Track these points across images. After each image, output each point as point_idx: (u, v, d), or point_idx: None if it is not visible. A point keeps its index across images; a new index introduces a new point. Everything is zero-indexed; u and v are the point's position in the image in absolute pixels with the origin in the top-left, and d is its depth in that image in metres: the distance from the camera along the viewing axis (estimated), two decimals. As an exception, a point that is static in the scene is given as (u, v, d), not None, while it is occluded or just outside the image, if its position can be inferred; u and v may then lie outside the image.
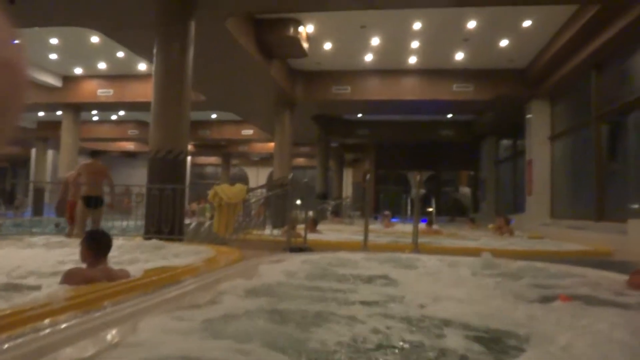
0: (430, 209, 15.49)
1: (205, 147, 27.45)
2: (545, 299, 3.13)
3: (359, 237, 7.24)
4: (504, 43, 11.88)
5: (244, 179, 33.50)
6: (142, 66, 14.60)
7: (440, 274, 4.09)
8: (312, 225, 9.45)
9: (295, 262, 4.69)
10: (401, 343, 2.23)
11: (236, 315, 2.69)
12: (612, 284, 3.63)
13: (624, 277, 3.80)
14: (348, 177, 30.41)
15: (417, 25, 11.11)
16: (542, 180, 13.41)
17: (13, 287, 3.36)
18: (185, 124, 7.75)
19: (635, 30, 8.58)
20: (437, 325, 2.50)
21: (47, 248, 5.68)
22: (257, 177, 33.08)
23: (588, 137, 11.18)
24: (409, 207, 17.08)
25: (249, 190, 8.05)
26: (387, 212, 15.15)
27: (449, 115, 19.42)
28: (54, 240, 6.37)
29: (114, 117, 22.68)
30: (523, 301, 3.08)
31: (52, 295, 2.58)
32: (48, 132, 22.03)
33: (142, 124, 22.37)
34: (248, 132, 22.73)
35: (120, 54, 13.56)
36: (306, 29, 11.41)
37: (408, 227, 8.31)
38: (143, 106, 14.97)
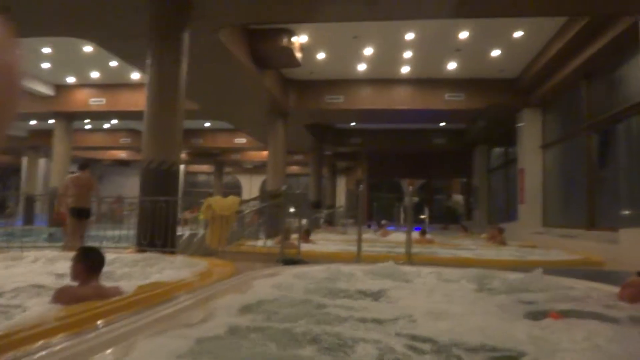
0: (423, 217, 15.59)
1: (198, 156, 27.39)
2: (538, 315, 3.15)
3: (353, 248, 7.26)
4: (495, 53, 11.99)
5: (237, 187, 33.46)
6: (135, 75, 14.58)
7: (434, 289, 4.09)
8: (306, 235, 9.45)
9: (289, 275, 4.69)
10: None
11: (230, 334, 2.68)
12: (603, 297, 3.65)
13: (616, 289, 3.82)
14: (341, 184, 30.43)
15: (409, 36, 11.19)
16: (534, 189, 13.51)
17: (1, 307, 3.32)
18: (179, 135, 7.73)
19: (623, 42, 8.70)
20: (432, 344, 2.50)
21: (41, 261, 5.62)
22: (251, 185, 33.04)
23: (579, 145, 11.29)
24: (402, 215, 17.11)
25: (242, 202, 8.04)
26: (384, 222, 15.43)
27: (442, 124, 19.53)
28: (48, 253, 6.28)
29: (106, 126, 22.58)
30: (517, 317, 3.10)
31: (43, 315, 2.56)
32: (40, 141, 21.90)
33: (134, 133, 22.31)
34: (241, 140, 22.71)
35: (113, 63, 13.54)
36: (299, 39, 11.45)
37: (403, 236, 8.33)
38: (135, 115, 14.92)
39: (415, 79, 14.27)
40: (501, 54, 12.04)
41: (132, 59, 11.06)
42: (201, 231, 8.61)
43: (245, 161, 28.79)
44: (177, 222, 8.07)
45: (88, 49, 12.48)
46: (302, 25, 10.74)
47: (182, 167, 9.25)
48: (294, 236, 7.55)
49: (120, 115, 17.55)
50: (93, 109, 16.17)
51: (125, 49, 10.33)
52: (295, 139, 18.44)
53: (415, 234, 10.15)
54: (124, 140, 23.30)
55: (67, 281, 3.46)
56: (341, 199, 29.71)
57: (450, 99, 14.22)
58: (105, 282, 3.55)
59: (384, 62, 13.01)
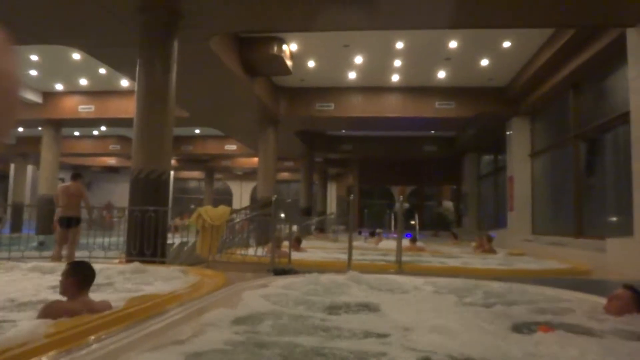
0: (413, 222, 15.72)
1: (188, 162, 27.29)
2: (528, 328, 3.17)
3: (344, 256, 7.27)
4: (484, 62, 12.11)
5: (227, 194, 33.36)
6: (124, 82, 14.51)
7: (425, 300, 4.12)
8: (297, 243, 9.44)
9: (279, 287, 4.68)
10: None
11: (220, 350, 2.67)
12: (591, 310, 3.69)
13: (602, 300, 3.86)
14: (332, 191, 30.46)
15: (399, 45, 11.27)
16: (523, 197, 13.62)
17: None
18: (168, 144, 7.70)
19: (611, 53, 8.84)
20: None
21: (30, 273, 5.56)
22: (241, 191, 32.96)
23: (567, 154, 11.42)
24: (392, 222, 17.21)
25: (233, 211, 8.02)
26: (379, 230, 15.61)
27: (432, 131, 19.66)
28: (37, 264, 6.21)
29: (95, 133, 22.43)
30: (508, 331, 3.13)
31: (32, 332, 2.53)
32: (28, 148, 21.68)
33: (124, 139, 22.19)
34: (231, 147, 22.67)
35: (102, 71, 13.47)
36: (290, 47, 11.49)
37: (394, 244, 8.36)
38: (125, 122, 14.87)
39: (405, 87, 14.36)
40: (490, 63, 12.17)
41: (121, 67, 11.02)
42: (192, 239, 8.58)
43: (236, 168, 28.72)
44: (168, 229, 8.04)
45: (76, 56, 12.42)
46: (293, 34, 10.78)
47: (171, 172, 9.16)
48: (285, 243, 7.53)
49: (109, 122, 17.44)
50: (82, 116, 16.04)
51: (114, 57, 10.30)
52: (286, 146, 18.44)
53: (406, 241, 10.20)
54: (114, 146, 23.15)
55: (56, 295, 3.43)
56: (332, 205, 29.73)
57: (440, 107, 14.32)
58: (94, 295, 3.52)
59: (375, 70, 13.08)
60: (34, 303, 3.74)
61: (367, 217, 25.44)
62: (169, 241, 8.12)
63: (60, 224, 7.36)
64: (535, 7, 7.81)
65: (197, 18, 8.12)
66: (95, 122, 17.59)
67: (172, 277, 5.30)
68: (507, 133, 14.40)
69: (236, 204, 31.59)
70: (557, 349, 2.63)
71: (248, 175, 30.66)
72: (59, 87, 15.51)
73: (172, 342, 2.71)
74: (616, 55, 8.59)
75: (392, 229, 16.31)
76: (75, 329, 2.67)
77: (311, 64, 12.57)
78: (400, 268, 6.62)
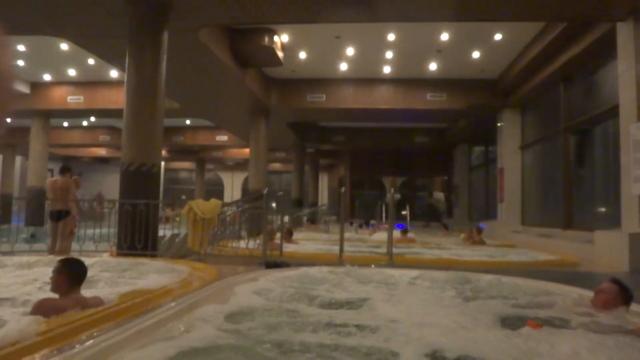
0: (404, 212, 15.80)
1: (179, 153, 27.15)
2: (516, 322, 3.22)
3: (335, 248, 7.30)
4: (476, 55, 12.13)
5: (219, 184, 33.27)
6: (114, 73, 14.36)
7: (415, 294, 4.16)
8: (288, 235, 9.47)
9: (271, 280, 4.69)
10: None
11: (212, 345, 2.69)
12: (578, 303, 3.75)
13: (589, 293, 3.92)
14: (324, 181, 30.50)
15: (391, 37, 11.25)
16: (513, 188, 13.74)
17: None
18: (159, 136, 7.64)
19: (601, 46, 8.89)
20: (417, 354, 2.54)
21: (21, 268, 5.52)
22: (232, 182, 32.91)
23: (557, 147, 11.51)
24: (384, 213, 17.29)
25: (224, 205, 8.01)
26: (373, 222, 15.74)
27: (424, 123, 19.69)
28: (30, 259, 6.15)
29: (85, 123, 22.22)
30: (496, 325, 3.17)
31: (23, 330, 2.52)
32: (16, 139, 21.44)
33: (113, 130, 22.02)
34: (223, 138, 22.58)
35: (91, 61, 13.32)
36: (281, 39, 11.43)
37: (385, 235, 8.41)
38: (115, 112, 14.74)
39: (397, 79, 14.36)
40: (482, 56, 12.19)
41: (111, 58, 10.90)
42: (183, 231, 8.55)
43: (227, 158, 28.64)
44: (159, 220, 8.00)
45: (64, 47, 12.26)
46: (284, 25, 10.71)
47: (162, 163, 9.14)
48: (278, 235, 7.54)
49: (99, 113, 17.30)
50: (71, 107, 15.90)
51: (104, 48, 10.17)
52: (278, 137, 18.41)
53: (397, 232, 10.25)
54: (103, 137, 22.96)
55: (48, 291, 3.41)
56: (324, 196, 29.77)
57: (432, 99, 14.35)
58: (85, 291, 3.51)
59: (366, 62, 13.06)
60: (26, 300, 3.73)
61: (358, 208, 25.52)
62: (160, 234, 8.08)
63: (50, 217, 7.33)
64: (527, 1, 7.82)
65: (187, 9, 8.04)
66: (84, 113, 17.44)
67: (164, 270, 5.29)
68: (498, 125, 14.48)
69: (227, 195, 31.55)
70: (545, 343, 2.68)
71: (239, 165, 30.59)
72: (47, 77, 15.32)
73: (164, 338, 2.73)
74: (606, 49, 8.64)
75: (384, 220, 16.37)
76: (68, 327, 2.67)
77: (302, 55, 12.52)
78: (391, 260, 6.67)
